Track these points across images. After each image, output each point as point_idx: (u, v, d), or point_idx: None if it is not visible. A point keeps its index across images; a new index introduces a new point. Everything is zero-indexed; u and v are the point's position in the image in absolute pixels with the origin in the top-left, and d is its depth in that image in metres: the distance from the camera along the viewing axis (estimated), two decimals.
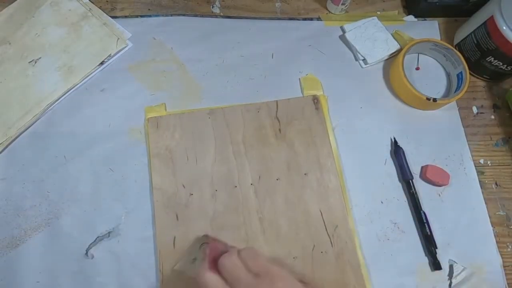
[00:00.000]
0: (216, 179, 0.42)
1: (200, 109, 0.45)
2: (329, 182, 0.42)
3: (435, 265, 0.40)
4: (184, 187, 0.41)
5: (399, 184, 0.44)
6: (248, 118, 0.44)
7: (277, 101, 0.45)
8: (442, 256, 0.41)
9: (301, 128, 0.44)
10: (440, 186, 0.44)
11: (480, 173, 0.45)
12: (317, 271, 0.39)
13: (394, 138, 0.45)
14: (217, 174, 0.42)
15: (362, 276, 0.39)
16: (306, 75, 0.48)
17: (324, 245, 0.40)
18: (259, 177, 0.42)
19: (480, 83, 0.51)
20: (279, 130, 0.44)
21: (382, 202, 0.43)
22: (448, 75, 0.50)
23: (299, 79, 0.47)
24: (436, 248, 0.41)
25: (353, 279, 0.39)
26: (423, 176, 0.44)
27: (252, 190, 0.41)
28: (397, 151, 0.44)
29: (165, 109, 0.45)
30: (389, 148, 0.45)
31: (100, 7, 0.49)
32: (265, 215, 0.41)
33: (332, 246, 0.40)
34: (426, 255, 0.41)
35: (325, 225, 0.41)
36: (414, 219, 0.42)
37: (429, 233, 0.41)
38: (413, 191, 0.43)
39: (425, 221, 0.41)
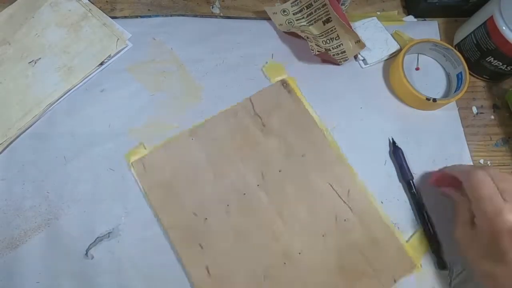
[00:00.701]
0: (223, 194, 0.41)
1: (181, 133, 0.44)
2: (327, 155, 0.43)
3: (441, 264, 0.40)
4: (196, 215, 0.40)
5: (399, 184, 0.44)
6: (230, 124, 0.44)
7: (250, 98, 0.45)
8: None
9: (282, 115, 0.45)
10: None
11: None
12: (347, 239, 0.40)
13: (392, 139, 0.45)
14: (222, 189, 0.41)
15: (388, 227, 0.41)
16: (266, 63, 0.48)
17: (344, 213, 0.41)
18: (262, 176, 0.42)
19: (480, 83, 0.51)
20: (263, 124, 0.44)
21: (382, 203, 0.43)
22: (447, 75, 0.50)
23: (261, 69, 0.47)
24: (441, 246, 0.41)
25: (381, 233, 0.41)
26: (433, 183, 0.43)
27: (261, 190, 0.41)
28: (395, 152, 0.44)
29: (144, 147, 0.43)
30: (389, 148, 0.45)
31: (100, 8, 0.49)
32: (283, 208, 0.41)
33: (351, 211, 0.41)
34: (430, 254, 0.41)
35: (338, 195, 0.42)
36: (414, 219, 0.42)
37: (432, 232, 0.41)
38: (414, 191, 0.43)
39: (428, 220, 0.41)
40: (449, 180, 0.40)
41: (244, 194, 0.41)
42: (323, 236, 0.40)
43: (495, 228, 0.31)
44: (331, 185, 0.42)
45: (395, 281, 0.39)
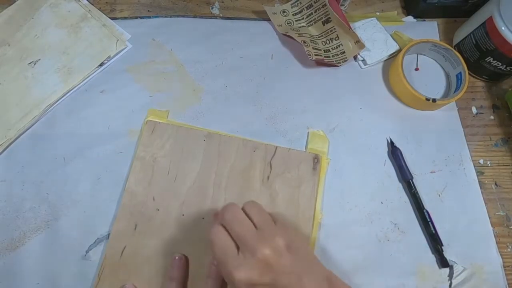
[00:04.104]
0: (187, 204, 0.40)
1: (199, 128, 0.44)
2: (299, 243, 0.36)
3: (443, 263, 0.40)
4: (153, 199, 0.40)
5: (399, 185, 0.44)
6: (242, 154, 0.43)
7: (276, 147, 0.43)
8: None
9: (290, 183, 0.42)
10: None
11: (479, 173, 0.46)
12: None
13: (390, 139, 0.45)
14: (190, 199, 0.40)
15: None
16: (318, 130, 0.46)
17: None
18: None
19: (479, 83, 0.51)
20: (268, 177, 0.42)
21: (382, 203, 0.43)
22: (447, 75, 0.50)
23: (308, 132, 0.45)
24: (442, 245, 0.41)
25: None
26: None
27: None
28: (394, 152, 0.44)
29: (167, 117, 0.44)
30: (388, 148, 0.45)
31: (99, 9, 0.49)
32: None
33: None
34: (433, 253, 0.41)
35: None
36: (415, 219, 0.42)
37: (434, 231, 0.41)
38: (414, 191, 0.43)
39: (429, 219, 0.41)
40: None
41: (203, 218, 0.40)
42: None
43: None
44: None
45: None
